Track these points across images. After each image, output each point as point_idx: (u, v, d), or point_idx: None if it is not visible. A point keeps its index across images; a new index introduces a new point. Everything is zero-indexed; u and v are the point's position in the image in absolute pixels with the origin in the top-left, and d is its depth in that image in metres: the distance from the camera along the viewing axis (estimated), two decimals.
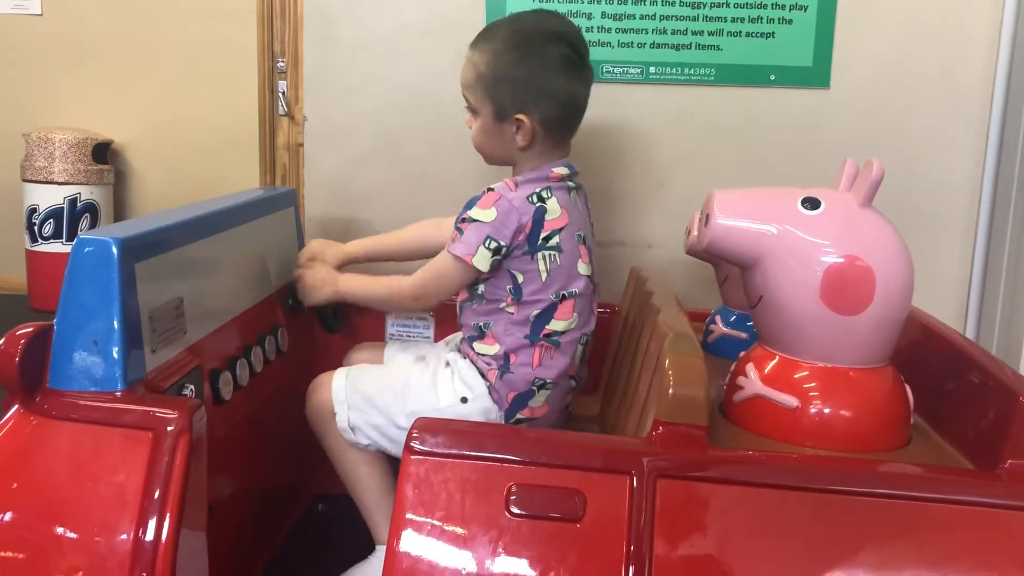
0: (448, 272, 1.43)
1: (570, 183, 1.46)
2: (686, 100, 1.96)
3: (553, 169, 1.44)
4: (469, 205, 1.41)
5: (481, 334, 1.45)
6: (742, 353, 1.25)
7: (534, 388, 1.42)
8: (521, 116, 1.42)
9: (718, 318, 1.61)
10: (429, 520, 0.99)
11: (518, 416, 1.42)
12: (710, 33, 1.91)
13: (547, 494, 0.99)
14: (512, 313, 1.41)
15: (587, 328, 1.46)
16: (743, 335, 1.54)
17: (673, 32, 1.92)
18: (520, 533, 0.98)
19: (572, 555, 0.97)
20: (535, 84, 1.42)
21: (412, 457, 1.01)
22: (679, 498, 0.98)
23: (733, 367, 1.24)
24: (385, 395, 1.45)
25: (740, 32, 1.91)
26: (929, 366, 1.26)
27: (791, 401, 1.13)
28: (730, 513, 0.98)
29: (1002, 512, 0.97)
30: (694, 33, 1.91)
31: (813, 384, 1.13)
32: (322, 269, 1.61)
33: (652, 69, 1.94)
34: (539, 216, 1.39)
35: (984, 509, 0.97)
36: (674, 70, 1.94)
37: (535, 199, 1.40)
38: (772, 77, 1.92)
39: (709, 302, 1.72)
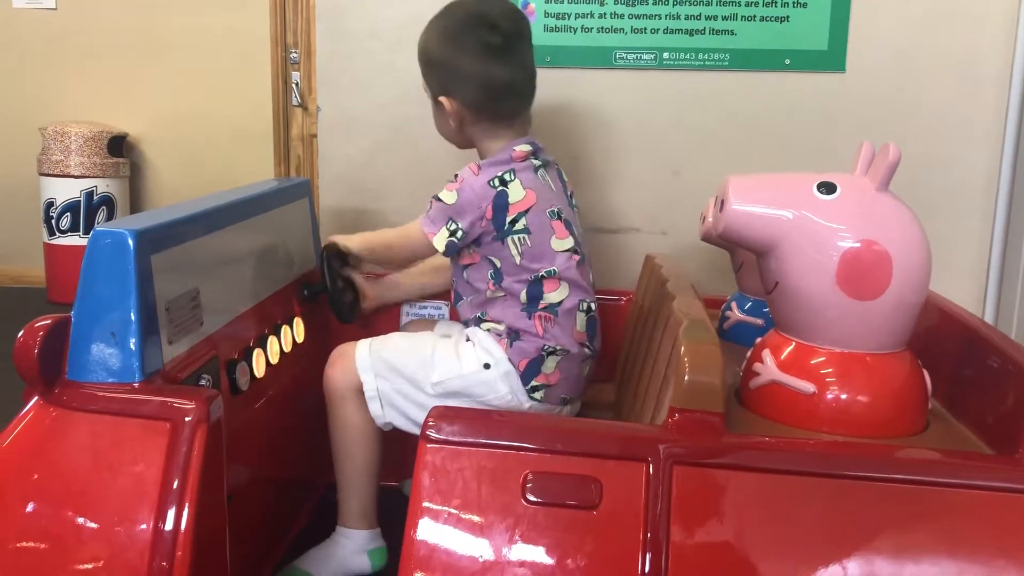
0: (415, 240, 1.51)
1: (535, 160, 1.48)
2: (700, 86, 1.95)
3: (515, 148, 1.47)
4: (444, 186, 1.47)
5: (481, 320, 1.49)
6: (758, 339, 1.24)
7: (544, 354, 1.43)
8: (443, 99, 1.49)
9: (734, 304, 1.60)
10: (446, 508, 0.99)
11: (533, 383, 1.44)
12: (724, 18, 1.90)
13: (563, 481, 0.99)
14: (501, 296, 1.46)
15: (584, 296, 1.48)
16: (759, 321, 1.53)
17: (687, 17, 1.91)
18: (536, 521, 0.98)
19: (588, 542, 0.97)
20: (458, 70, 1.48)
21: (428, 445, 1.01)
22: (695, 485, 0.98)
23: (749, 353, 1.24)
24: (410, 363, 1.45)
25: (754, 16, 1.90)
26: (947, 351, 1.25)
27: (808, 387, 1.12)
28: (747, 499, 0.97)
29: (1022, 497, 0.97)
30: (708, 18, 1.90)
31: (830, 370, 1.12)
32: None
33: (666, 55, 1.93)
34: (501, 201, 1.43)
35: (1003, 494, 0.97)
36: (688, 56, 1.92)
37: (496, 183, 1.43)
38: (787, 61, 1.91)
39: (725, 289, 1.71)
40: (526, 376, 1.43)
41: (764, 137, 1.95)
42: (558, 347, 1.44)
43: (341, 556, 1.48)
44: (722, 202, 1.17)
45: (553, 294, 1.44)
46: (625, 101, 1.95)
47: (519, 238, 1.43)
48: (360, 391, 1.46)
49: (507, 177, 1.44)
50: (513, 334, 1.44)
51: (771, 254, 1.15)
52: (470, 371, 1.43)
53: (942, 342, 1.27)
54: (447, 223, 1.44)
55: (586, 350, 1.49)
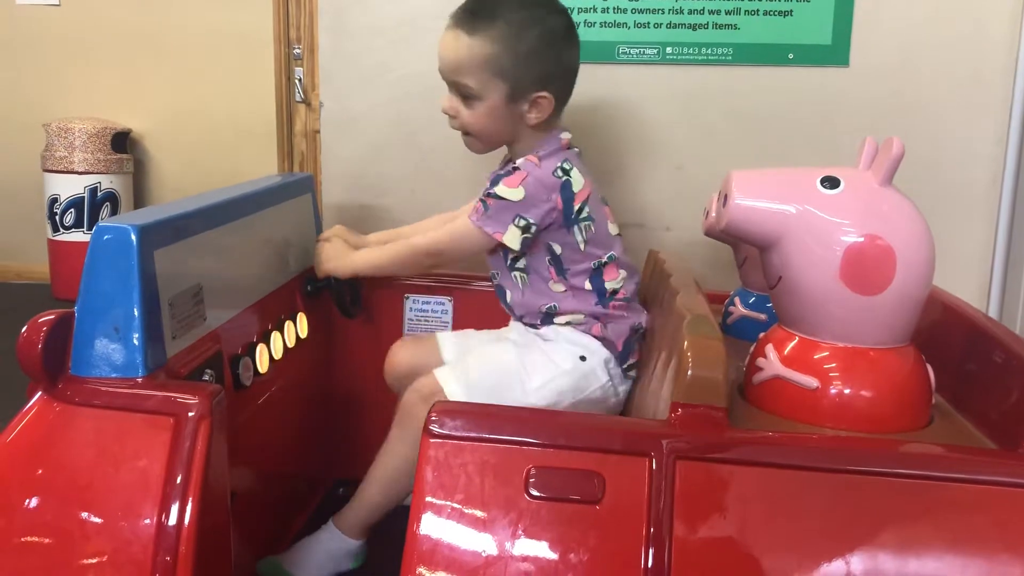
0: (468, 240, 1.44)
1: (575, 148, 1.48)
2: (704, 80, 1.94)
3: (562, 136, 1.45)
4: (495, 181, 1.41)
5: (551, 317, 1.47)
6: (761, 334, 1.24)
7: (637, 328, 1.46)
8: (544, 93, 1.41)
9: (737, 299, 1.60)
10: (448, 503, 0.99)
11: (630, 361, 1.46)
12: (727, 12, 1.89)
13: (566, 476, 0.99)
14: (565, 289, 1.45)
15: (636, 278, 1.51)
16: (762, 316, 1.53)
17: (690, 12, 1.90)
18: (539, 515, 0.98)
19: (591, 537, 0.97)
20: (556, 59, 1.42)
21: (431, 440, 1.01)
22: (699, 480, 0.98)
23: (752, 348, 1.23)
24: (505, 380, 1.41)
25: (757, 11, 1.89)
26: (951, 346, 1.25)
27: (811, 382, 1.12)
28: (750, 494, 0.97)
29: None
30: (711, 12, 1.90)
31: (833, 364, 1.12)
32: (339, 243, 1.62)
33: (669, 49, 1.93)
34: (567, 191, 1.40)
35: (1007, 489, 0.96)
36: (691, 50, 1.92)
37: (560, 172, 1.40)
38: (791, 56, 1.90)
39: (728, 284, 1.71)
40: (623, 356, 1.45)
41: (767, 132, 1.94)
42: (643, 325, 1.47)
43: (326, 552, 1.47)
44: (725, 197, 1.17)
45: (614, 281, 1.46)
46: (628, 96, 1.95)
47: (585, 225, 1.42)
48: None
49: (567, 166, 1.41)
50: (602, 320, 1.45)
51: (774, 249, 1.15)
52: (570, 366, 1.42)
53: (946, 337, 1.26)
54: (515, 220, 1.39)
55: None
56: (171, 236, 1.19)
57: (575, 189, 1.41)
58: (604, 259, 1.45)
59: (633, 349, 1.47)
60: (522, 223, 1.39)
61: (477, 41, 1.39)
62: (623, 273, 1.47)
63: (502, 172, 1.43)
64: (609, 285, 1.46)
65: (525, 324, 1.52)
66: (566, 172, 1.41)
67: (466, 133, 1.48)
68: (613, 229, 1.49)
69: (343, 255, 1.58)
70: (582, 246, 1.43)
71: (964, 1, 1.87)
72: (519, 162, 1.42)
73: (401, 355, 1.61)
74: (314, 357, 1.71)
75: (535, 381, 1.40)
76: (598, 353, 1.43)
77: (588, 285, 1.45)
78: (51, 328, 1.09)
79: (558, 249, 1.43)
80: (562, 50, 1.43)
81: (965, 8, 1.87)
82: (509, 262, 1.48)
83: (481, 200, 1.42)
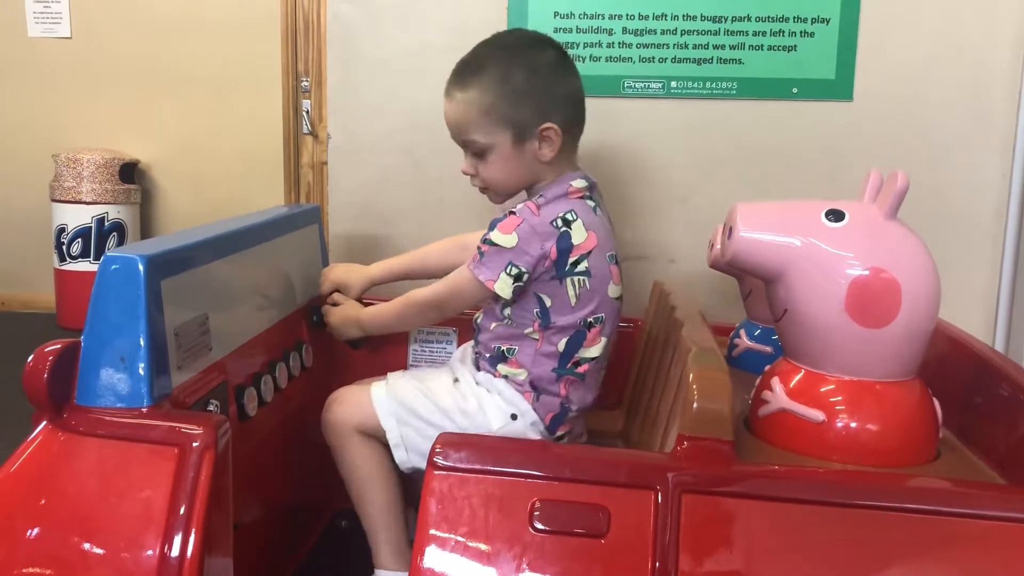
0: (467, 289, 1.42)
1: (591, 200, 1.44)
2: (708, 114, 1.95)
3: (572, 183, 1.42)
4: (492, 226, 1.39)
5: (504, 358, 1.44)
6: (767, 367, 1.24)
7: (567, 409, 1.43)
8: (549, 125, 1.40)
9: (742, 332, 1.60)
10: (453, 536, 0.99)
11: (559, 432, 1.43)
12: (732, 47, 1.91)
13: (571, 509, 0.98)
14: (537, 340, 1.41)
15: (607, 352, 1.46)
16: (768, 349, 1.53)
17: (694, 46, 1.92)
18: (544, 549, 0.97)
19: (596, 571, 0.96)
20: (552, 90, 1.42)
21: (435, 472, 1.01)
22: (704, 513, 0.97)
23: (758, 381, 1.23)
24: (436, 415, 1.42)
25: (762, 46, 1.91)
26: (957, 379, 1.25)
27: (817, 415, 1.12)
28: (756, 528, 0.97)
29: None
30: (715, 47, 1.91)
31: (839, 398, 1.12)
32: (347, 306, 1.63)
33: (673, 84, 1.94)
34: (564, 243, 1.36)
35: (1016, 524, 0.96)
36: (696, 84, 1.93)
37: (559, 223, 1.37)
38: (794, 90, 1.92)
39: (733, 316, 1.71)
40: (552, 427, 1.42)
41: (772, 165, 1.95)
42: (577, 407, 1.44)
43: None
44: (730, 229, 1.17)
45: (592, 349, 1.41)
46: (633, 129, 1.96)
47: (579, 280, 1.38)
48: (363, 431, 1.44)
49: (570, 217, 1.37)
50: (536, 390, 1.42)
51: (779, 281, 1.15)
52: (499, 426, 1.40)
53: (952, 370, 1.26)
54: (506, 268, 1.36)
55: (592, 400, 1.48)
56: (178, 266, 1.19)
57: (574, 241, 1.37)
58: (591, 319, 1.40)
59: (562, 423, 1.43)
60: (513, 271, 1.36)
61: (470, 95, 1.42)
62: (603, 343, 1.43)
63: (500, 216, 1.41)
64: (582, 353, 1.41)
65: (475, 352, 1.52)
66: (567, 223, 1.37)
67: (486, 189, 1.50)
68: (614, 292, 1.43)
69: (351, 321, 1.61)
70: (573, 301, 1.38)
71: (967, 36, 1.88)
72: (517, 207, 1.40)
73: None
74: (319, 387, 1.70)
75: (464, 424, 1.40)
76: (528, 416, 1.41)
77: (562, 346, 1.40)
78: (57, 357, 1.09)
79: (548, 301, 1.39)
80: (555, 80, 1.43)
81: (968, 43, 1.89)
82: (500, 303, 1.44)
83: (478, 247, 1.40)
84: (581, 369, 1.42)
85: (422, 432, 1.41)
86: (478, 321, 1.51)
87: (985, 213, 1.93)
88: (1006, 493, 1.02)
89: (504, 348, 1.44)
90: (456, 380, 1.49)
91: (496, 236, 1.37)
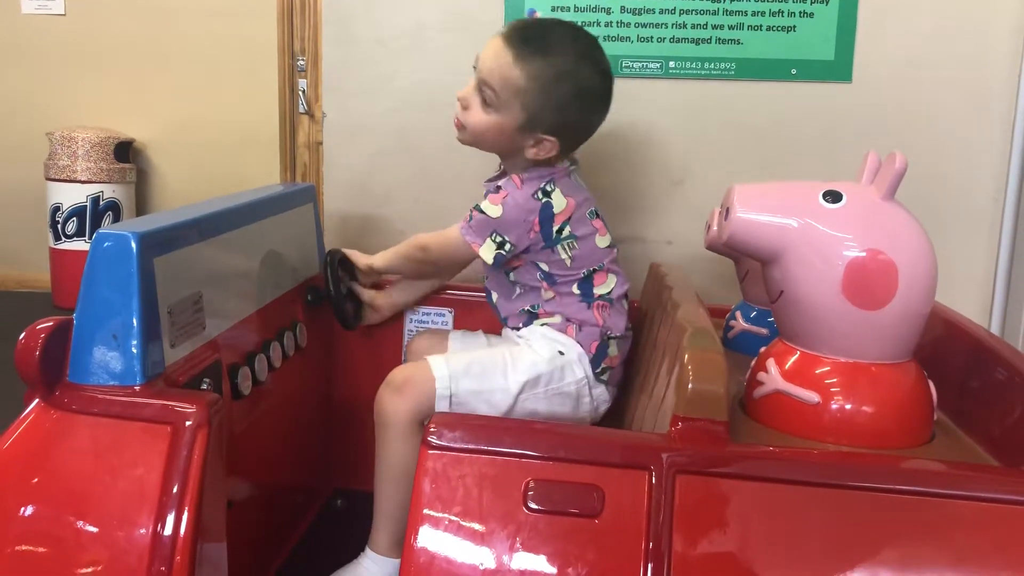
0: (454, 246, 1.50)
1: (570, 165, 1.52)
2: (706, 95, 1.94)
3: (557, 164, 1.50)
4: (484, 197, 1.49)
5: (533, 316, 1.52)
6: (762, 348, 1.24)
7: (607, 339, 1.49)
8: (552, 138, 1.45)
9: (738, 314, 1.60)
10: (446, 515, 0.99)
11: (603, 365, 1.49)
12: (730, 27, 1.90)
13: (565, 489, 0.98)
14: (552, 294, 1.50)
15: (626, 284, 1.54)
16: (764, 331, 1.52)
17: (693, 26, 1.91)
18: (538, 529, 0.97)
19: (590, 551, 0.96)
20: (577, 116, 1.47)
21: (429, 452, 1.01)
22: (698, 494, 0.97)
23: (753, 363, 1.23)
24: (490, 369, 1.44)
25: (761, 26, 1.89)
26: (953, 362, 1.24)
27: (812, 397, 1.11)
28: (750, 509, 0.96)
29: None
30: (714, 27, 1.90)
31: (834, 380, 1.12)
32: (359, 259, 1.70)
33: (672, 64, 1.93)
34: (546, 213, 1.45)
35: (1009, 506, 0.96)
36: (694, 65, 1.92)
37: (540, 195, 1.45)
38: (793, 71, 1.91)
39: (730, 298, 1.71)
40: (596, 360, 1.48)
41: (770, 146, 1.94)
42: (618, 334, 1.50)
43: None
44: (727, 210, 1.17)
45: (603, 286, 1.50)
46: (630, 110, 1.94)
47: (568, 243, 1.47)
48: (421, 423, 1.39)
49: (548, 188, 1.46)
50: (576, 323, 1.49)
51: (776, 263, 1.14)
52: (549, 356, 1.45)
53: (948, 353, 1.26)
54: (491, 235, 1.45)
55: (631, 333, 1.56)
56: (171, 244, 1.19)
57: (555, 210, 1.45)
58: (594, 268, 1.49)
59: (605, 355, 1.49)
60: (497, 239, 1.45)
61: (517, 70, 1.42)
62: (612, 279, 1.51)
63: (491, 188, 1.50)
64: (597, 290, 1.50)
65: (510, 327, 1.57)
66: (547, 194, 1.45)
67: (462, 126, 1.52)
68: (603, 242, 1.51)
69: (367, 268, 1.69)
70: (568, 262, 1.48)
71: (967, 17, 1.87)
72: (503, 181, 1.48)
73: (418, 344, 1.68)
74: (314, 367, 1.70)
75: (519, 367, 1.44)
76: (574, 349, 1.47)
77: (576, 289, 1.49)
78: (49, 335, 1.08)
79: (545, 267, 1.49)
80: (589, 111, 1.49)
81: (968, 24, 1.88)
82: (502, 273, 1.53)
83: (470, 213, 1.48)
84: (606, 297, 1.51)
85: (471, 386, 1.41)
86: (495, 303, 1.58)
87: (983, 195, 1.93)
88: (1000, 475, 1.02)
89: (528, 308, 1.52)
90: (502, 342, 1.57)
91: (485, 205, 1.46)
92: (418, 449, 1.37)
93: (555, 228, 1.46)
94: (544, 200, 1.45)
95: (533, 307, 1.52)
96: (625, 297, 1.55)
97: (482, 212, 1.46)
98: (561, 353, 1.47)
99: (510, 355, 1.46)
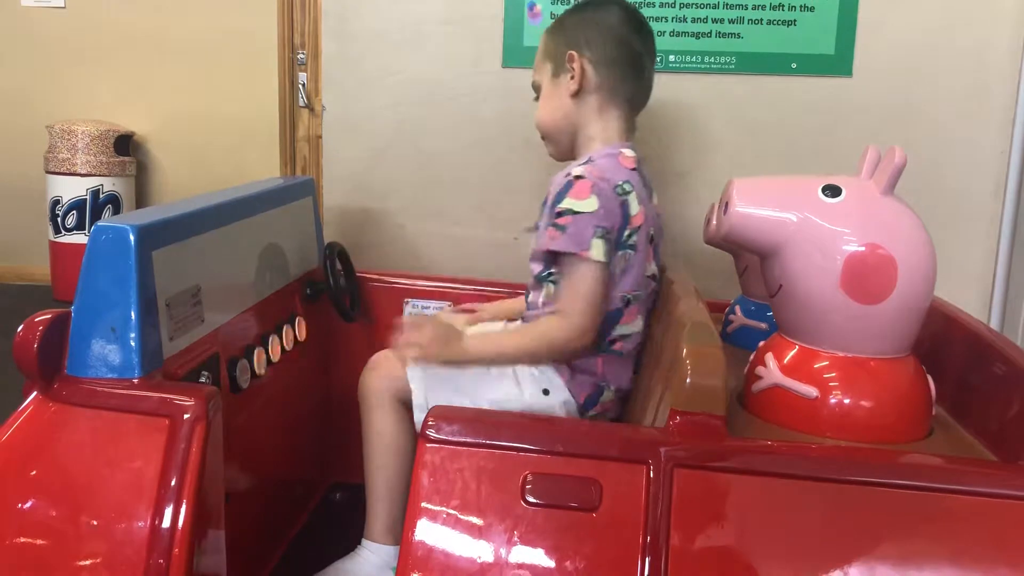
0: (580, 278, 1.32)
1: (641, 174, 1.43)
2: (706, 89, 1.94)
3: (622, 151, 1.42)
4: (559, 198, 1.34)
5: None
6: (761, 343, 1.24)
7: (602, 388, 1.41)
8: (572, 52, 1.43)
9: (737, 308, 1.60)
10: (444, 508, 0.99)
11: (591, 413, 1.42)
12: (731, 21, 1.89)
13: (563, 483, 0.98)
14: None
15: (645, 329, 1.45)
16: (763, 325, 1.52)
17: (693, 20, 1.90)
18: (536, 522, 0.97)
19: (588, 545, 0.96)
20: (590, 25, 1.44)
21: (428, 445, 1.01)
22: (696, 488, 0.97)
23: (752, 357, 1.23)
24: (466, 376, 1.38)
25: (761, 20, 1.89)
26: (952, 357, 1.24)
27: (810, 391, 1.11)
28: (748, 503, 0.97)
29: None
30: (714, 21, 1.89)
31: (833, 374, 1.12)
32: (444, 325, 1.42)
33: (672, 58, 1.93)
34: (625, 211, 1.35)
35: (1007, 501, 0.96)
36: (694, 59, 1.92)
37: (620, 191, 1.35)
38: (794, 65, 1.90)
39: (729, 293, 1.71)
40: (585, 407, 1.40)
41: (769, 141, 1.94)
42: (614, 386, 1.42)
43: (366, 573, 1.42)
44: (726, 204, 1.16)
45: (628, 326, 1.40)
46: None
47: (626, 254, 1.36)
48: (399, 399, 1.40)
49: (627, 188, 1.36)
50: (573, 368, 1.39)
51: (775, 257, 1.14)
52: (530, 397, 1.37)
53: (947, 348, 1.26)
54: (596, 232, 1.30)
55: (631, 385, 1.46)
56: (170, 237, 1.18)
57: (631, 212, 1.36)
58: (631, 296, 1.38)
59: (596, 403, 1.41)
60: (600, 233, 1.31)
61: (540, 49, 1.51)
62: (638, 322, 1.41)
63: (562, 185, 1.35)
64: (619, 331, 1.39)
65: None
66: (625, 192, 1.35)
67: (542, 137, 1.53)
68: (648, 270, 1.42)
69: (452, 338, 1.37)
70: (616, 274, 1.36)
71: (967, 12, 1.87)
72: (577, 170, 1.35)
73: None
74: (312, 361, 1.70)
75: (492, 394, 1.36)
76: (560, 393, 1.39)
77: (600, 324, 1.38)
78: (47, 327, 1.08)
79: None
80: (596, 19, 1.45)
81: (968, 20, 1.87)
82: (543, 271, 1.42)
83: (553, 224, 1.32)
84: (618, 346, 1.41)
85: (447, 398, 1.34)
86: (528, 299, 1.50)
87: (983, 190, 1.93)
88: (997, 470, 1.02)
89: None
90: None
91: (572, 203, 1.32)
92: (401, 426, 1.40)
93: (627, 232, 1.35)
94: (624, 198, 1.35)
95: None
96: (639, 349, 1.44)
97: (575, 212, 1.31)
98: (546, 392, 1.38)
99: (488, 374, 1.38)
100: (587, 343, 1.35)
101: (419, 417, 1.38)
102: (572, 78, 1.43)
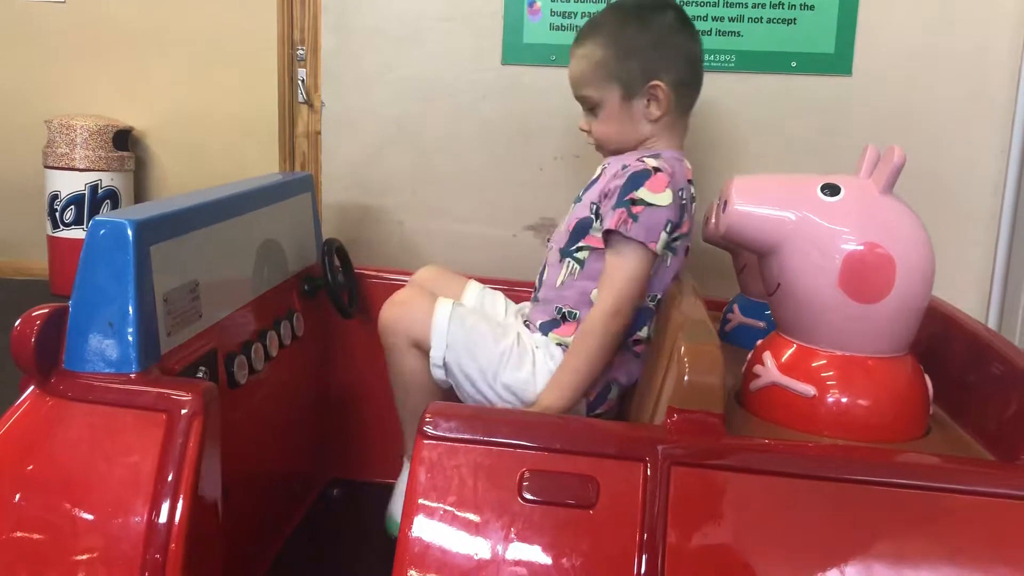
0: (637, 265, 1.33)
1: (692, 188, 1.45)
2: (706, 87, 1.93)
3: (685, 162, 1.44)
4: (636, 184, 1.33)
5: (560, 322, 1.42)
6: (759, 341, 1.24)
7: (611, 386, 1.42)
8: (656, 83, 1.41)
9: (736, 307, 1.59)
10: (441, 505, 0.98)
11: (599, 411, 1.42)
12: (731, 19, 1.89)
13: (560, 480, 0.98)
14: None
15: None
16: (761, 324, 1.52)
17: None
18: (532, 519, 0.97)
19: (584, 542, 0.96)
20: (663, 47, 1.42)
21: (425, 441, 1.01)
22: (693, 486, 0.97)
23: (750, 355, 1.23)
24: (487, 352, 1.37)
25: (761, 18, 1.89)
26: (950, 356, 1.24)
27: (808, 390, 1.11)
28: (745, 502, 0.96)
29: (1022, 504, 0.96)
30: (714, 19, 1.89)
31: (831, 373, 1.12)
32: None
33: None
34: (681, 215, 1.38)
35: (1004, 500, 0.96)
36: None
37: (683, 196, 1.39)
38: (793, 64, 1.90)
39: (727, 291, 1.71)
40: (592, 405, 1.41)
41: (769, 139, 1.94)
42: (624, 383, 1.42)
43: None
44: (725, 202, 1.16)
45: (648, 329, 1.41)
46: None
47: (668, 255, 1.39)
48: (418, 345, 1.39)
49: (685, 196, 1.39)
50: None
51: (773, 255, 1.14)
52: (541, 387, 1.37)
53: (945, 348, 1.26)
54: (666, 227, 1.33)
55: (637, 379, 1.46)
56: (168, 231, 1.18)
57: (684, 218, 1.40)
58: (661, 296, 1.40)
59: (604, 401, 1.42)
60: (670, 227, 1.33)
61: (585, 50, 1.45)
62: (654, 325, 1.42)
63: (639, 171, 1.34)
64: (640, 333, 1.41)
65: (528, 314, 1.49)
66: (683, 200, 1.39)
67: (599, 147, 1.52)
68: (672, 276, 1.43)
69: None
70: (653, 275, 1.38)
71: (967, 13, 1.87)
72: (653, 162, 1.35)
73: (431, 270, 1.64)
74: (310, 356, 1.70)
75: (506, 377, 1.36)
76: None
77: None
78: (45, 322, 1.08)
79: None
80: (668, 39, 1.44)
81: (968, 20, 1.87)
82: (571, 244, 1.42)
83: (626, 208, 1.32)
84: (639, 349, 1.41)
85: (464, 365, 1.37)
86: (543, 278, 1.47)
87: (981, 191, 1.92)
88: (995, 469, 1.02)
89: (566, 310, 1.42)
90: (520, 336, 1.44)
91: (648, 195, 1.32)
92: (420, 364, 1.39)
93: (675, 236, 1.37)
94: (684, 203, 1.37)
95: (569, 314, 1.41)
96: (648, 339, 1.44)
97: (649, 204, 1.31)
98: None
99: (511, 353, 1.38)
100: (619, 329, 1.34)
101: (437, 374, 1.38)
102: (656, 107, 1.42)
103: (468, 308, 1.46)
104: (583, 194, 1.47)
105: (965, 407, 1.18)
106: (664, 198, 1.32)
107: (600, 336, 1.33)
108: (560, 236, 1.46)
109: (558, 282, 1.43)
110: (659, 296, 1.41)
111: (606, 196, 1.38)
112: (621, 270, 1.33)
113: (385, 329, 1.42)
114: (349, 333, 1.79)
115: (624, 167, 1.38)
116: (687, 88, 1.47)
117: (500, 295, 1.62)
